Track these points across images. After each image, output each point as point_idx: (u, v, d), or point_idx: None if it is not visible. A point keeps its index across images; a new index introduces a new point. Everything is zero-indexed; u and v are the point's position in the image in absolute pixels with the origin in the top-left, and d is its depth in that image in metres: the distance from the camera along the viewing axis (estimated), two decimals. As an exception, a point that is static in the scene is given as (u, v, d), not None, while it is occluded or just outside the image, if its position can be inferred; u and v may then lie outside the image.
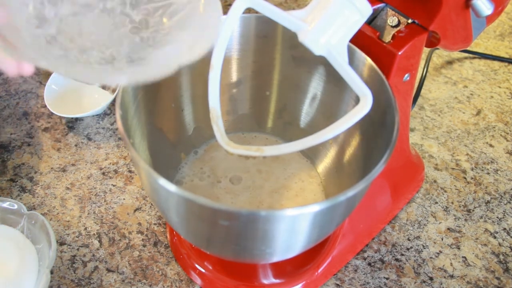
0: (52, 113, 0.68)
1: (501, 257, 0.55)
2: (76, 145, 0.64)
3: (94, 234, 0.55)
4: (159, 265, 0.53)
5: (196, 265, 0.51)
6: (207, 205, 0.34)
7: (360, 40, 0.44)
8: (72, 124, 0.67)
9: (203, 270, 0.51)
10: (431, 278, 0.53)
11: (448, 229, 0.58)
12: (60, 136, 0.65)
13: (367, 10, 0.38)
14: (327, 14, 0.37)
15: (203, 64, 0.46)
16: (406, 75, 0.47)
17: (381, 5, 0.47)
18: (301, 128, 0.55)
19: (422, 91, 0.75)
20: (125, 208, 0.58)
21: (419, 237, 0.57)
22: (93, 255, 0.53)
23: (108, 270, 0.52)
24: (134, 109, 0.44)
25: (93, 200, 0.58)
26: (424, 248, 0.56)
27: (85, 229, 0.56)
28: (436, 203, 0.60)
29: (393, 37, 0.45)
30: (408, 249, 0.56)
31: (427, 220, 0.58)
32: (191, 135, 0.55)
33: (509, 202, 0.61)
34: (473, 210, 0.60)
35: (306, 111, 0.54)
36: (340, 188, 0.50)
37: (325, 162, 0.54)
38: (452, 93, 0.75)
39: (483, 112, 0.73)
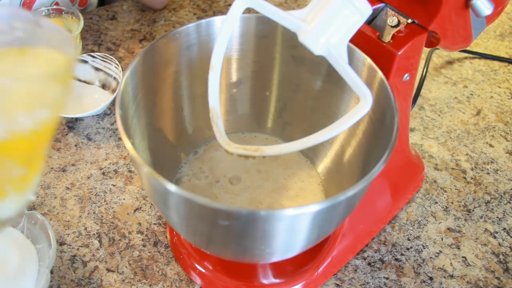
0: (52, 113, 0.68)
1: (501, 257, 0.55)
2: (76, 145, 0.64)
3: (94, 234, 0.55)
4: (159, 265, 0.53)
5: (196, 265, 0.51)
6: (206, 205, 0.34)
7: (360, 40, 0.44)
8: (72, 124, 0.67)
9: (203, 270, 0.51)
10: (431, 278, 0.53)
11: (448, 229, 0.58)
12: (60, 136, 0.65)
13: (367, 10, 0.38)
14: (326, 14, 0.37)
15: (203, 64, 0.47)
16: (406, 75, 0.47)
17: (381, 5, 0.47)
18: (301, 128, 0.55)
19: (422, 91, 0.75)
20: (125, 208, 0.58)
21: (419, 237, 0.57)
22: (93, 255, 0.53)
23: (108, 270, 0.52)
24: (134, 109, 0.44)
25: (93, 200, 0.58)
26: (424, 248, 0.56)
27: (85, 229, 0.56)
28: (436, 203, 0.60)
29: (393, 37, 0.45)
30: (408, 249, 0.56)
31: (427, 220, 0.58)
32: (191, 135, 0.55)
33: (509, 202, 0.61)
34: (473, 210, 0.60)
35: (306, 111, 0.54)
36: (340, 188, 0.50)
37: (325, 162, 0.54)
38: (452, 93, 0.75)
39: (483, 112, 0.73)
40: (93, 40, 0.81)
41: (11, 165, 0.33)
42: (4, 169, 0.32)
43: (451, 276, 0.53)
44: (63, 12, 0.76)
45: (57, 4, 0.78)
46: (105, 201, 0.58)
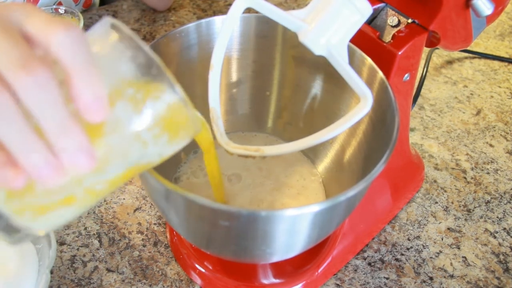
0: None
1: (501, 257, 0.55)
2: (76, 145, 0.64)
3: (94, 234, 0.55)
4: (159, 265, 0.53)
5: (196, 265, 0.51)
6: (207, 205, 0.34)
7: (360, 40, 0.44)
8: (72, 124, 0.67)
9: (203, 270, 0.51)
10: (431, 278, 0.53)
11: (448, 229, 0.58)
12: (60, 136, 0.65)
13: (367, 10, 0.38)
14: (327, 14, 0.37)
15: (203, 63, 0.47)
16: (406, 75, 0.47)
17: (381, 5, 0.47)
18: (301, 128, 0.55)
19: (422, 91, 0.75)
20: (125, 208, 0.58)
21: (419, 237, 0.57)
22: (93, 255, 0.53)
23: (108, 270, 0.52)
24: (134, 109, 0.44)
25: (93, 200, 0.58)
26: (424, 248, 0.56)
27: (85, 229, 0.56)
28: (436, 203, 0.60)
29: (393, 37, 0.45)
30: (408, 249, 0.55)
31: (427, 220, 0.58)
32: (191, 135, 0.55)
33: (509, 202, 0.61)
34: (473, 210, 0.60)
35: (306, 111, 0.54)
36: (341, 187, 0.50)
37: (325, 162, 0.54)
38: (452, 93, 0.75)
39: (483, 112, 0.73)
40: (93, 40, 0.81)
41: (115, 183, 0.31)
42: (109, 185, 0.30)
43: (451, 276, 0.53)
44: (64, 12, 0.76)
45: (60, 4, 0.78)
46: (105, 201, 0.58)
